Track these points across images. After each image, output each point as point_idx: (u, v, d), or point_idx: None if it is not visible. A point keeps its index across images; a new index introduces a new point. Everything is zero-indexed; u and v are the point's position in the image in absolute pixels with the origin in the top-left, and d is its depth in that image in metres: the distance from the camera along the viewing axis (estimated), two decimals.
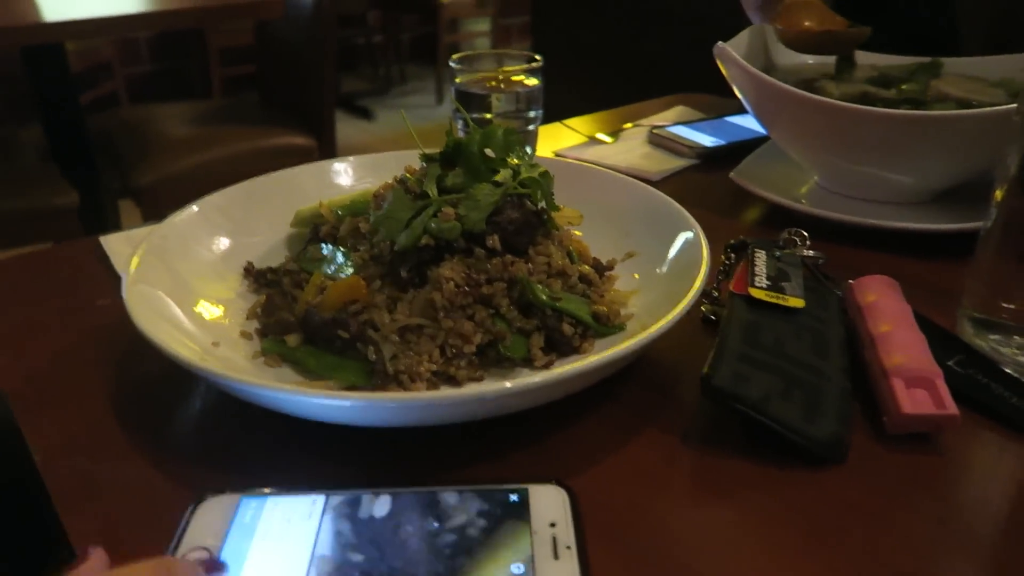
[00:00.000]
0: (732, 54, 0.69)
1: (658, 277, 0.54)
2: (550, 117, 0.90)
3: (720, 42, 0.70)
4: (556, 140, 0.96)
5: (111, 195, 1.97)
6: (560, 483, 0.38)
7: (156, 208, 1.87)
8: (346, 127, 3.41)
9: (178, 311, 0.50)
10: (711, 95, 1.11)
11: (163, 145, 1.93)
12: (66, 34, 1.62)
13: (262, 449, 0.44)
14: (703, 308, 0.55)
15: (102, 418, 0.46)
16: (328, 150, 2.07)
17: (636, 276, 0.56)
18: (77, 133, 1.81)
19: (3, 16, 1.54)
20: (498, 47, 4.56)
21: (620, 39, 2.22)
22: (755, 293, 0.49)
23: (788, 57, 0.82)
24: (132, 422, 0.46)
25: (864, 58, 0.81)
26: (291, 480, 0.42)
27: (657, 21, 2.10)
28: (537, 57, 0.81)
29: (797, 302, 0.49)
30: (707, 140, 0.90)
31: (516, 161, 0.53)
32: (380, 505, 0.37)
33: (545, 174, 0.53)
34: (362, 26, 4.49)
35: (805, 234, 0.57)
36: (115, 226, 1.96)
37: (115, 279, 0.62)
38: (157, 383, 0.49)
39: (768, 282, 0.50)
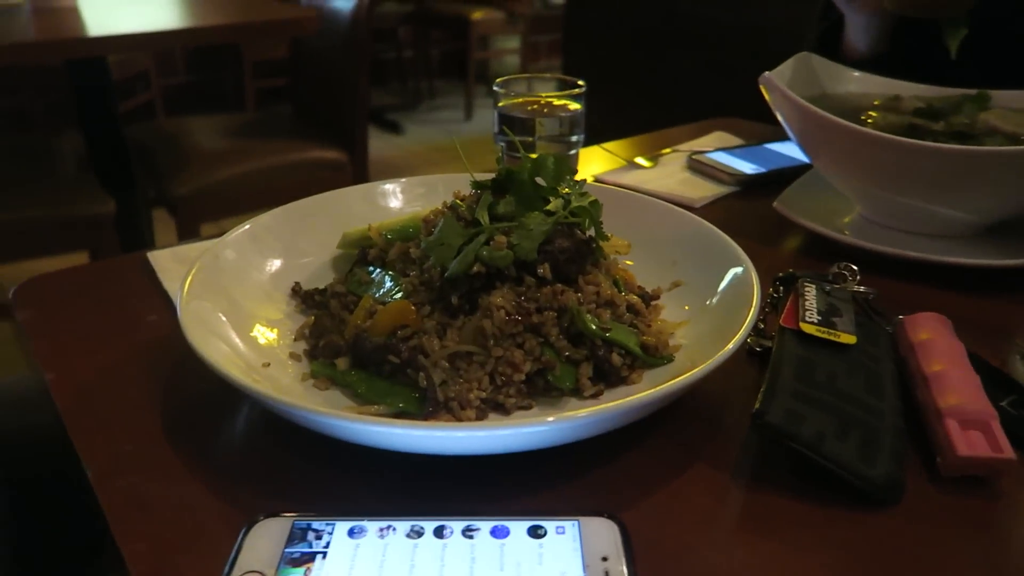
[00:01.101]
0: (777, 83, 0.69)
1: (706, 309, 0.54)
2: None
3: (767, 72, 0.70)
4: (594, 164, 0.96)
5: (146, 205, 2.00)
6: (612, 516, 0.38)
7: (190, 218, 1.90)
8: (376, 141, 3.44)
9: (230, 330, 0.50)
10: (748, 120, 1.11)
11: (198, 157, 1.96)
12: (109, 48, 1.65)
13: (312, 472, 0.44)
14: (749, 340, 0.55)
15: (153, 436, 0.47)
16: (360, 164, 2.09)
17: (687, 308, 0.56)
18: (116, 143, 1.85)
19: (50, 30, 1.58)
20: (527, 65, 4.59)
21: (651, 60, 2.22)
22: (806, 328, 0.49)
23: (834, 86, 0.81)
24: (183, 441, 0.46)
25: (908, 89, 0.81)
26: (340, 504, 0.42)
27: (689, 44, 2.11)
28: (580, 83, 0.81)
29: (849, 338, 0.49)
30: (747, 167, 0.89)
31: (567, 190, 0.53)
32: (431, 534, 0.37)
33: (595, 203, 0.53)
34: (393, 41, 4.55)
35: (855, 268, 0.57)
36: (149, 235, 1.98)
37: (163, 295, 0.63)
38: (207, 402, 0.49)
39: (819, 317, 0.50)
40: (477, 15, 4.16)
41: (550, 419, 0.41)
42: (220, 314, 0.51)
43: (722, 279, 0.55)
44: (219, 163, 1.94)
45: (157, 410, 0.49)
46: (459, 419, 0.46)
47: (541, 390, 0.49)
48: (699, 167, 0.91)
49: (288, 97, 2.78)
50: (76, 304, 0.63)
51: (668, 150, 0.98)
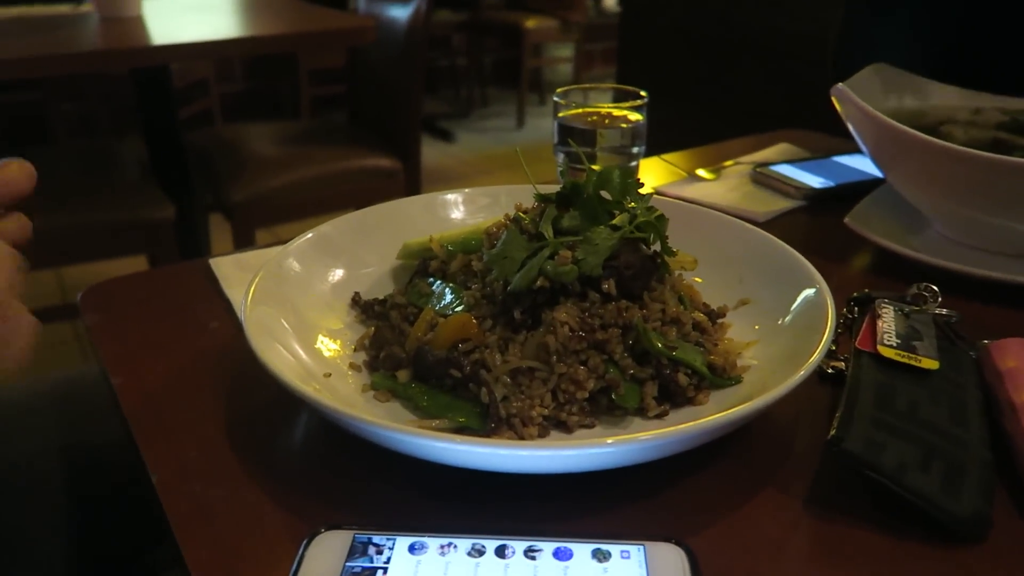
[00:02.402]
0: (851, 95, 0.68)
1: (777, 329, 0.53)
2: None
3: (840, 84, 0.69)
4: (654, 176, 0.95)
5: (203, 210, 2.05)
6: (679, 543, 0.38)
7: (246, 224, 1.94)
8: (428, 149, 3.47)
9: (292, 339, 0.51)
10: (816, 132, 1.09)
11: (255, 163, 2.00)
12: (172, 56, 1.71)
13: (372, 484, 0.44)
14: (820, 362, 0.53)
15: (216, 443, 0.48)
16: (413, 172, 2.12)
17: (756, 327, 0.55)
18: (176, 149, 1.90)
19: (116, 38, 1.64)
20: (581, 73, 4.59)
21: (710, 69, 2.20)
22: (884, 352, 0.47)
23: (911, 98, 0.79)
24: (246, 449, 0.47)
25: (990, 101, 0.78)
26: (400, 519, 0.42)
27: (750, 53, 2.08)
28: (642, 93, 0.81)
29: (931, 363, 0.47)
30: (815, 181, 0.87)
31: (632, 204, 0.52)
32: (493, 553, 0.37)
33: (661, 217, 0.53)
34: (446, 48, 4.60)
35: (936, 289, 0.55)
36: (206, 240, 2.03)
37: (225, 302, 0.64)
38: (270, 410, 0.50)
39: (898, 340, 0.48)
40: (531, 23, 4.18)
41: (614, 440, 0.40)
42: (283, 322, 0.51)
43: (792, 298, 0.53)
44: (275, 170, 1.98)
45: (221, 417, 0.50)
46: (521, 436, 0.46)
47: (604, 408, 0.48)
48: (764, 180, 0.90)
49: (343, 105, 2.83)
50: (141, 309, 0.64)
51: (731, 162, 0.97)
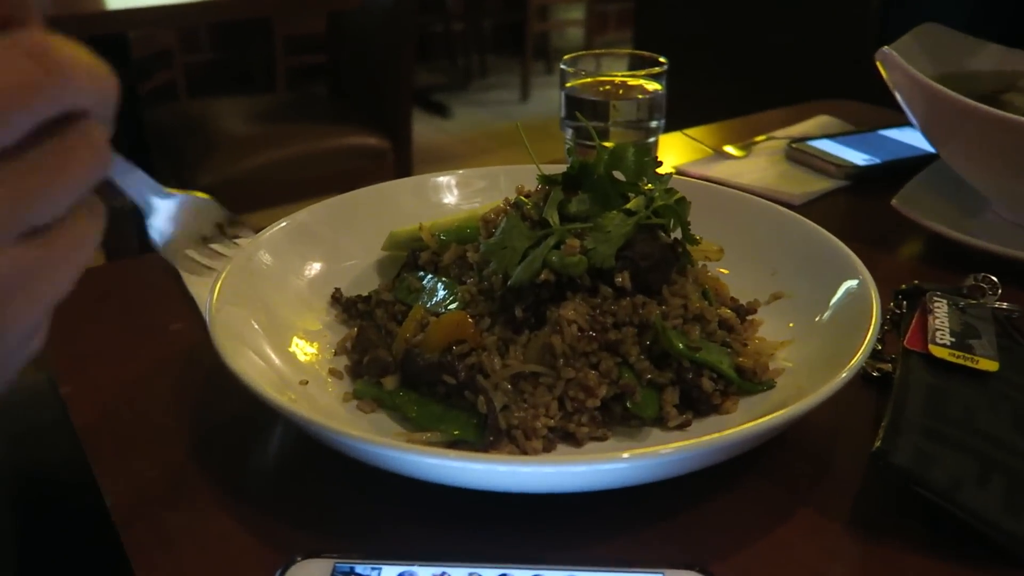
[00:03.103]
0: (899, 60, 0.67)
1: (814, 327, 0.53)
2: None
3: (885, 47, 0.68)
4: (675, 153, 0.95)
5: None
6: (703, 570, 0.38)
7: None
8: (420, 125, 3.46)
9: (264, 342, 0.51)
10: (859, 102, 1.08)
11: (224, 143, 2.01)
12: (130, 24, 1.71)
13: (355, 506, 0.44)
14: (864, 364, 0.53)
15: (179, 461, 0.48)
16: (403, 152, 2.12)
17: (791, 325, 0.54)
18: (135, 127, 1.90)
19: (68, 3, 1.64)
20: (593, 38, 4.58)
21: (739, 33, 2.19)
22: (936, 352, 0.47)
23: (966, 62, 0.78)
24: (211, 467, 0.47)
25: None
26: (388, 545, 0.42)
27: (784, 15, 2.07)
28: (661, 59, 0.80)
29: (990, 364, 0.47)
30: (858, 158, 0.87)
31: (649, 185, 0.52)
32: None
33: (682, 201, 0.52)
34: (440, 12, 4.58)
35: (995, 280, 0.55)
36: None
37: (189, 301, 0.64)
38: (239, 424, 0.50)
39: (952, 339, 0.48)
40: None
41: (630, 454, 0.40)
42: (254, 323, 0.51)
43: (832, 291, 0.53)
44: (247, 150, 1.99)
45: (184, 432, 0.50)
46: (524, 450, 0.46)
47: (618, 418, 0.48)
48: (800, 157, 0.89)
49: (323, 76, 2.83)
50: (95, 308, 0.64)
51: (763, 137, 0.96)
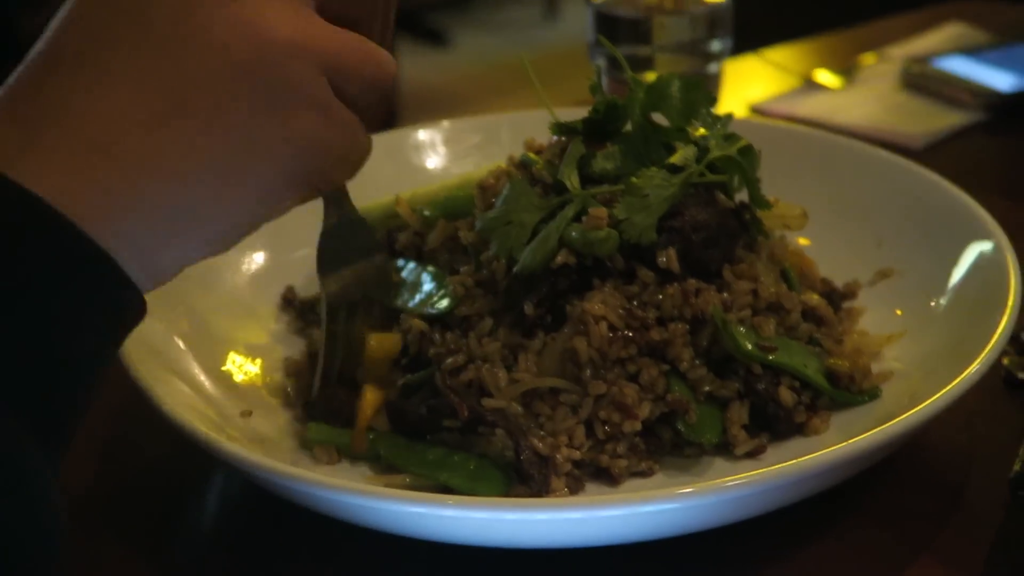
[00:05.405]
0: None
1: (932, 315, 0.53)
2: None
3: None
4: (749, 85, 0.95)
5: None
6: None
7: None
8: (409, 59, 3.48)
9: (193, 363, 0.52)
10: (1006, 2, 1.08)
11: None
12: None
13: (317, 572, 0.45)
14: (1005, 361, 0.53)
15: (86, 519, 0.48)
16: (386, 96, 2.12)
17: (898, 312, 0.55)
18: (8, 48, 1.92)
19: None
20: None
21: None
22: None
23: None
24: (127, 529, 0.48)
25: None
26: None
27: None
28: None
29: None
30: (1002, 81, 0.87)
31: (702, 131, 0.52)
32: None
33: (748, 150, 0.52)
34: None
35: None
36: None
37: None
38: (163, 470, 0.51)
39: None
40: None
41: (688, 491, 0.40)
42: (177, 339, 0.52)
43: (957, 266, 0.53)
44: None
45: (89, 484, 0.51)
46: (541, 491, 0.46)
47: (668, 447, 0.48)
48: (922, 83, 0.89)
49: None
50: None
51: (870, 57, 0.96)
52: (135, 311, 0.38)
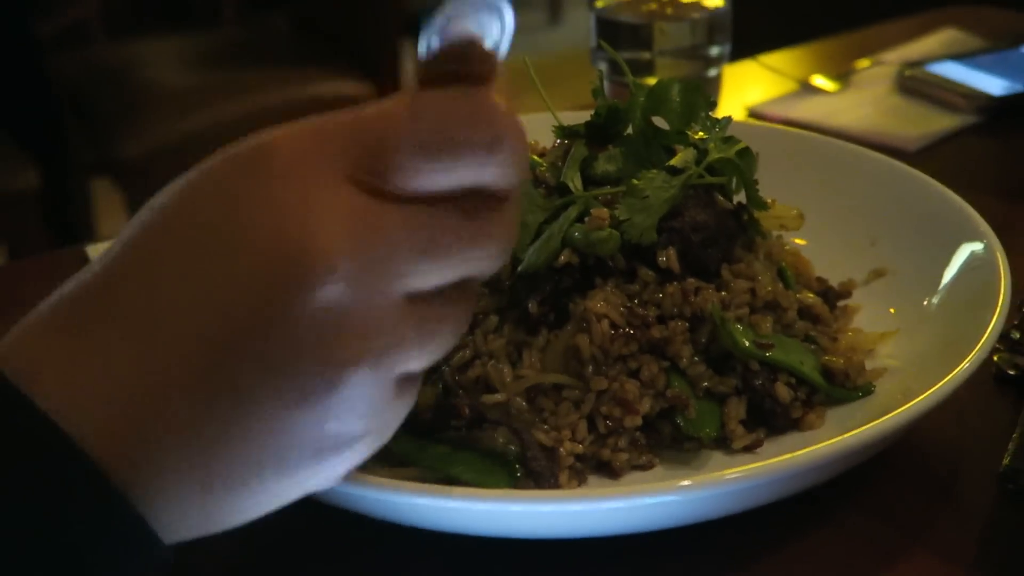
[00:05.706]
0: None
1: (925, 313, 0.53)
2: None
3: None
4: (747, 88, 0.95)
5: (82, 172, 2.06)
6: None
7: (146, 191, 1.95)
8: (411, 63, 3.47)
9: None
10: (998, 7, 1.08)
11: (157, 99, 2.02)
12: None
13: (316, 557, 0.46)
14: (995, 358, 0.54)
15: None
16: None
17: (892, 311, 0.55)
18: (37, 83, 1.91)
19: None
20: None
21: None
22: None
23: None
24: None
25: None
26: None
27: None
28: None
29: None
30: (995, 85, 0.87)
31: (702, 134, 0.53)
32: None
33: (746, 153, 0.53)
34: None
35: None
36: (87, 217, 2.05)
37: None
38: None
39: None
40: None
41: (687, 485, 0.41)
42: None
43: (949, 265, 0.54)
44: (186, 107, 1.99)
45: None
46: (544, 484, 0.46)
47: (668, 440, 0.49)
48: (916, 87, 0.90)
49: (284, 5, 2.84)
50: None
51: (866, 62, 0.97)
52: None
